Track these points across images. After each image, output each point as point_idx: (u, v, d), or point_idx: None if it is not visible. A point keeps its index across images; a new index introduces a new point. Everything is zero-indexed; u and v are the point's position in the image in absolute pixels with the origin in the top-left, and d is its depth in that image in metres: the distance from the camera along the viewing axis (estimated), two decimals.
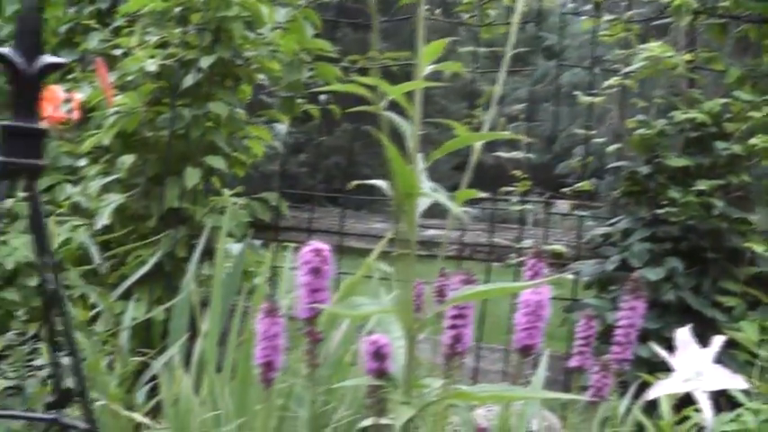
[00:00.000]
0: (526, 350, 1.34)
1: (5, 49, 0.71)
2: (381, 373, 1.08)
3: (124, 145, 2.48)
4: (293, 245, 2.10)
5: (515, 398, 1.35)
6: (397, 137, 1.00)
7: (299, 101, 2.72)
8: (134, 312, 1.93)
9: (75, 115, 1.62)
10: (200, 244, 1.99)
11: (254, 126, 2.62)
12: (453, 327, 1.22)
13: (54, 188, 2.76)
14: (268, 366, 1.16)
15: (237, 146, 2.53)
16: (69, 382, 2.17)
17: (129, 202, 2.43)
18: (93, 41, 2.64)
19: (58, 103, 1.52)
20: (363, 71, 2.73)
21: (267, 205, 2.57)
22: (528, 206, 2.76)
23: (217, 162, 2.37)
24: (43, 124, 1.52)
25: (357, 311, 0.96)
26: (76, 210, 2.56)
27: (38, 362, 2.24)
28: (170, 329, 2.14)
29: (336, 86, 1.01)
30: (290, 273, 2.10)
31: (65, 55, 2.95)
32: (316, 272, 1.06)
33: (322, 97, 2.78)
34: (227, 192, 2.49)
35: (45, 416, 0.82)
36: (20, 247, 2.64)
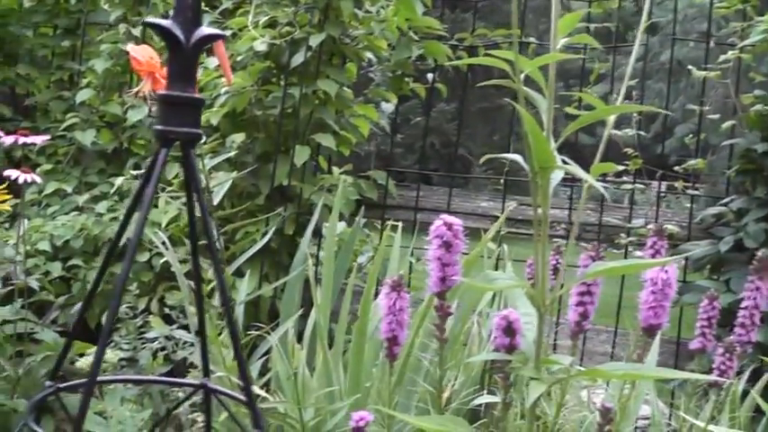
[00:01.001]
0: (652, 329, 1.31)
1: (166, 22, 0.73)
2: (511, 349, 1.07)
3: (233, 124, 2.52)
4: (399, 223, 2.10)
5: (647, 377, 1.32)
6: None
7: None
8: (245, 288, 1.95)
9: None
10: (312, 222, 2.00)
11: (361, 104, 2.62)
12: (580, 303, 1.20)
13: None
14: (393, 341, 1.16)
15: (345, 124, 2.54)
16: (182, 354, 2.22)
17: (237, 180, 2.46)
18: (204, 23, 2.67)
19: None
20: (471, 49, 2.70)
21: (374, 184, 2.57)
22: (639, 185, 2.69)
23: (326, 140, 2.38)
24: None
25: (493, 285, 0.95)
26: (183, 187, 2.61)
27: (150, 334, 2.29)
28: (280, 306, 2.16)
29: (470, 60, 0.99)
30: (398, 251, 2.09)
31: None
32: (447, 246, 1.05)
33: (429, 76, 2.75)
34: (336, 170, 2.50)
35: (192, 381, 0.83)
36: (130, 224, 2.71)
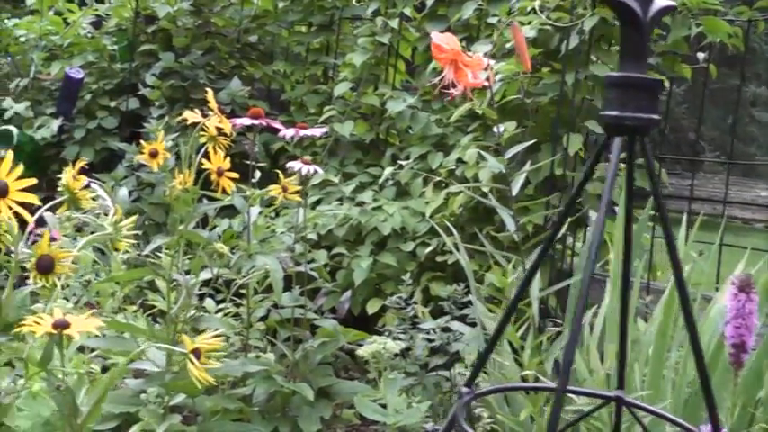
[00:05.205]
0: None
1: None
2: None
3: (500, 112, 2.48)
4: (684, 216, 1.98)
5: None
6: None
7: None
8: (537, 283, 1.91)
9: (490, 82, 1.60)
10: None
11: None
12: None
13: (426, 156, 2.84)
14: (740, 347, 1.08)
15: None
16: (457, 347, 2.20)
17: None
18: (468, 11, 2.65)
19: (479, 69, 1.51)
20: (749, 24, 2.50)
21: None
22: None
23: (599, 127, 2.30)
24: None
25: None
26: (451, 177, 2.61)
27: (424, 325, 2.29)
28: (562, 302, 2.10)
29: None
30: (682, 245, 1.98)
31: (431, 27, 3.00)
32: None
33: (700, 55, 2.58)
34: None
35: (606, 392, 0.79)
36: (395, 214, 2.74)
